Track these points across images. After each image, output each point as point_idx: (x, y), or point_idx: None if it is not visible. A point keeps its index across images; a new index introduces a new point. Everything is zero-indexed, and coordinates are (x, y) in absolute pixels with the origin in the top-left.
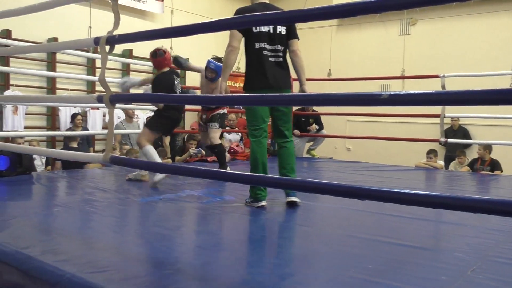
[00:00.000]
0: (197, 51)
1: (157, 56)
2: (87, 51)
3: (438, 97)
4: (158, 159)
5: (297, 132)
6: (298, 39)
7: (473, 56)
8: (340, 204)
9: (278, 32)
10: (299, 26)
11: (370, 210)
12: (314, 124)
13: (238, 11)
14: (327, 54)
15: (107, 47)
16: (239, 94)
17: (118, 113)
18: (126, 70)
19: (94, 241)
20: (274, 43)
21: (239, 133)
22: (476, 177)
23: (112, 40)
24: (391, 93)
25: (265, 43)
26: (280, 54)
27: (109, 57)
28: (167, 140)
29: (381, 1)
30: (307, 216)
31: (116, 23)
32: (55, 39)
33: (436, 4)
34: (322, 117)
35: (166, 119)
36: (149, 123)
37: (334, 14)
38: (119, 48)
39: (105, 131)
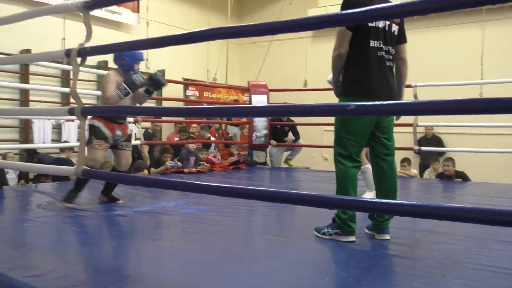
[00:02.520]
0: (173, 62)
1: None
2: (61, 63)
3: (403, 107)
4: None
5: (273, 142)
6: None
7: (444, 66)
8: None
9: (392, 31)
10: (274, 37)
11: None
12: (290, 134)
13: (350, 1)
14: (303, 65)
15: (79, 59)
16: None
17: None
18: (101, 81)
19: (66, 255)
20: (388, 44)
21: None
22: (448, 185)
23: (84, 52)
24: (358, 104)
25: (381, 42)
26: (392, 58)
27: (84, 68)
28: (145, 150)
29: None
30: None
31: (88, 36)
32: (28, 51)
33: (407, 16)
34: (299, 126)
35: None
36: None
37: None
38: (94, 59)
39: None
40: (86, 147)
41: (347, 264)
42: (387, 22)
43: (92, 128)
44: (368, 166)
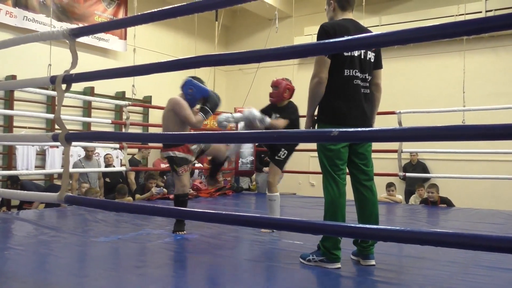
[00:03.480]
0: (160, 89)
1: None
2: (47, 89)
3: (383, 134)
4: (279, 212)
5: (266, 169)
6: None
7: (427, 93)
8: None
9: (368, 58)
10: (261, 64)
11: None
12: (264, 168)
13: (325, 29)
14: None
15: (64, 86)
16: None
17: (79, 151)
18: (87, 107)
19: (48, 283)
20: (364, 72)
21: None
22: (433, 211)
23: (69, 78)
24: (340, 130)
25: (356, 70)
26: (368, 85)
27: (71, 94)
28: (132, 176)
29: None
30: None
31: (74, 63)
32: (14, 77)
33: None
34: None
35: (290, 153)
36: (282, 162)
37: None
38: (80, 85)
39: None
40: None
41: None
42: (363, 50)
43: (171, 160)
44: (276, 195)
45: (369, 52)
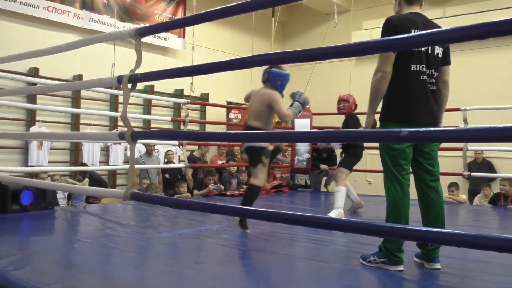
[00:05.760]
0: (216, 86)
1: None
2: (110, 88)
3: (457, 134)
4: (342, 202)
5: (323, 166)
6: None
7: (495, 89)
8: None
9: (436, 53)
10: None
11: None
12: (321, 165)
13: (392, 24)
14: (346, 88)
15: (130, 85)
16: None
17: (139, 147)
18: (147, 105)
19: (115, 277)
20: (431, 67)
21: None
22: (501, 212)
23: (134, 78)
24: (410, 130)
25: (423, 66)
26: (435, 81)
27: (132, 93)
28: (189, 173)
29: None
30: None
31: (138, 62)
32: (80, 76)
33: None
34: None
35: (356, 157)
36: (346, 164)
37: None
38: (141, 84)
39: (127, 166)
40: (255, 168)
41: None
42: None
43: (261, 149)
44: (341, 187)
45: (436, 47)
